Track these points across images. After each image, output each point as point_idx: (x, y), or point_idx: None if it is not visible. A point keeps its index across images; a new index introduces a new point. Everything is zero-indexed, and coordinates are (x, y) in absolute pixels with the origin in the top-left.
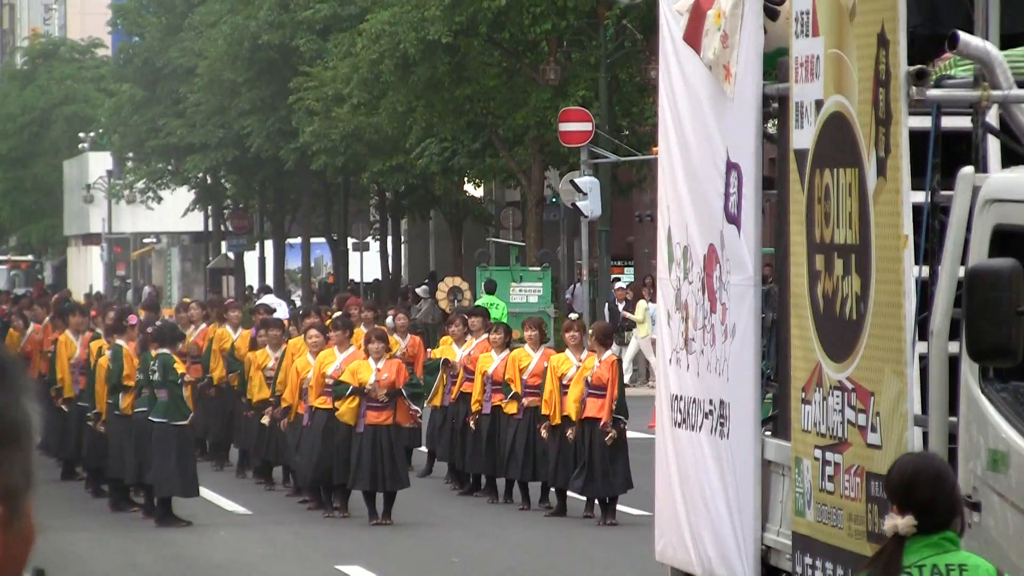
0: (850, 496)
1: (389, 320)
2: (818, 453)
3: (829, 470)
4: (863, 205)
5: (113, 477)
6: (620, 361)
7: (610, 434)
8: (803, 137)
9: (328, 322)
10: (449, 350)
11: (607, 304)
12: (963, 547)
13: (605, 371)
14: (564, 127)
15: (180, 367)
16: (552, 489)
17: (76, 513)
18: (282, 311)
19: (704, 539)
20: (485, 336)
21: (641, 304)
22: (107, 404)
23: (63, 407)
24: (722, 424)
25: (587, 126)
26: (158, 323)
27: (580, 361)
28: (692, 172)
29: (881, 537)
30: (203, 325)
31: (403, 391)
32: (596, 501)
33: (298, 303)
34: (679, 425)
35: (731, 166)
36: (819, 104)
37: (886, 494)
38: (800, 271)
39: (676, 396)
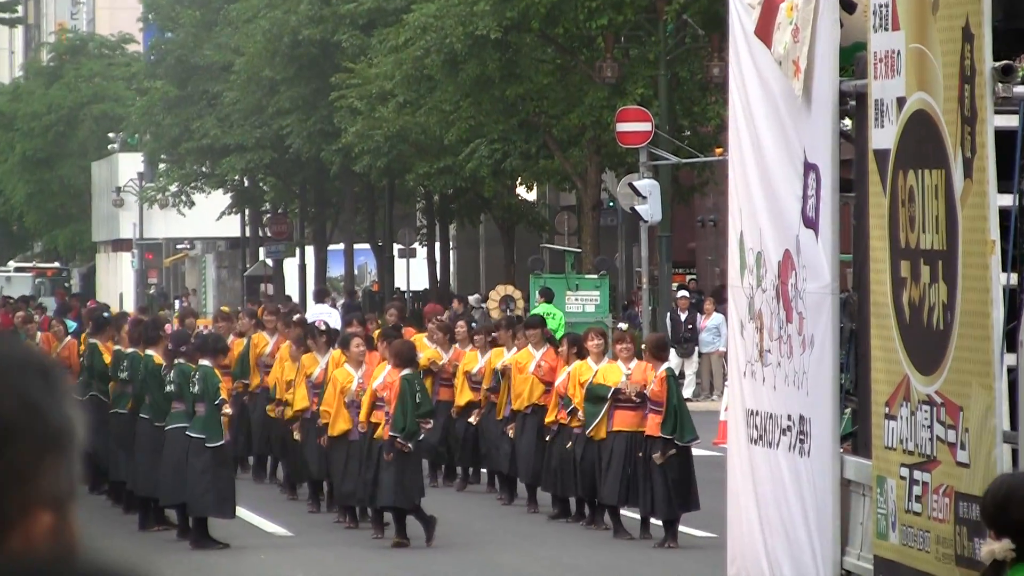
0: (938, 517)
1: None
2: (904, 472)
3: (917, 490)
4: (950, 208)
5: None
6: (680, 374)
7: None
8: (883, 137)
9: (376, 333)
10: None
11: (668, 314)
12: None
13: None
14: (622, 127)
15: (225, 386)
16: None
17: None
18: (334, 320)
19: (782, 564)
20: (547, 347)
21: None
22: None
23: None
24: (802, 441)
25: (646, 126)
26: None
27: (629, 371)
28: (766, 174)
29: (971, 561)
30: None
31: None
32: (654, 522)
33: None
34: (755, 442)
35: (809, 167)
36: (901, 102)
37: (982, 519)
38: (882, 278)
39: (751, 411)
